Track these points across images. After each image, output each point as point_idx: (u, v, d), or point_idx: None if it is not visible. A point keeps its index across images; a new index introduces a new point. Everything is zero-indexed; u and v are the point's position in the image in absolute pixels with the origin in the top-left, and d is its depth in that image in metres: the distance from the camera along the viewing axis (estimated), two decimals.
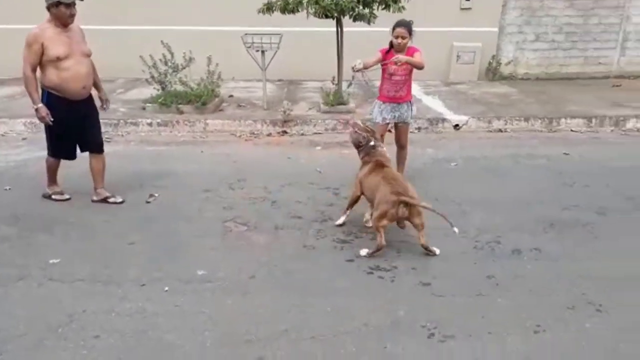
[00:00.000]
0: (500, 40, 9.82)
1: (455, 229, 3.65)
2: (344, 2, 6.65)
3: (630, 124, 7.26)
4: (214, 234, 4.00)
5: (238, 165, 5.59)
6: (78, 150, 4.53)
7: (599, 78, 9.94)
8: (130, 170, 5.42)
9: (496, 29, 9.72)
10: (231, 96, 8.40)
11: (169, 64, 7.38)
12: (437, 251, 3.69)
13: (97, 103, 4.56)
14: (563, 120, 7.23)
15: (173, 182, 5.06)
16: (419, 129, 7.13)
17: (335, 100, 7.33)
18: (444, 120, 7.23)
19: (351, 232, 4.01)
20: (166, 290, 3.22)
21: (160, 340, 2.76)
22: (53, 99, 4.11)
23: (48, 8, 4.00)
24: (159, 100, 7.37)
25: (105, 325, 2.87)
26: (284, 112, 6.95)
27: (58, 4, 3.95)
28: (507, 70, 9.98)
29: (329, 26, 7.29)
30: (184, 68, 7.40)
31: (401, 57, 4.37)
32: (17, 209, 4.38)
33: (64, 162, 4.58)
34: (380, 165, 3.94)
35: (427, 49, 9.40)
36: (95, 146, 4.51)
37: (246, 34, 7.13)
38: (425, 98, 8.43)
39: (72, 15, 4.07)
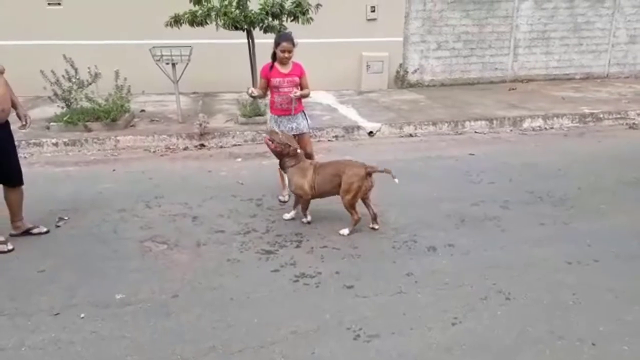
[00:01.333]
0: (405, 50, 10.33)
1: (396, 180, 4.17)
2: (252, 14, 6.70)
3: (526, 124, 7.90)
4: (132, 255, 3.85)
5: (155, 182, 5.42)
6: None
7: (497, 82, 10.76)
8: (37, 194, 5.03)
9: (401, 39, 10.21)
10: (143, 111, 8.14)
11: (73, 79, 7.02)
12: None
13: (14, 125, 4.10)
14: (467, 122, 7.72)
15: (84, 204, 4.82)
16: (336, 137, 7.31)
17: (252, 112, 7.33)
18: (358, 127, 7.46)
19: (275, 242, 4.03)
20: (82, 317, 3.05)
21: None
22: None
23: None
24: (65, 119, 6.99)
25: None
26: (200, 125, 6.84)
27: None
28: (414, 78, 10.51)
29: (241, 38, 7.30)
30: (90, 84, 7.07)
31: (298, 92, 4.56)
32: None
33: None
34: (316, 164, 4.30)
35: (338, 59, 9.86)
36: (16, 177, 4.08)
37: (154, 47, 6.95)
38: (340, 107, 8.66)
39: None
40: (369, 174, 4.11)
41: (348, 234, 4.13)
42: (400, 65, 10.36)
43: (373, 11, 9.96)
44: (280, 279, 3.50)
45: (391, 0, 9.94)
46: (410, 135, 7.52)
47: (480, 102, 8.95)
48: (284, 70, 4.52)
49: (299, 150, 4.25)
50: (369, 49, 10.01)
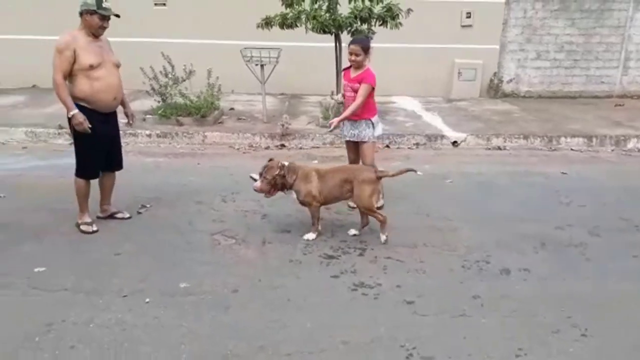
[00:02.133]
0: (501, 58, 9.85)
1: (420, 172, 4.29)
2: (341, 18, 6.71)
3: (631, 144, 7.21)
4: (202, 246, 3.99)
5: (234, 178, 5.59)
6: None
7: (602, 97, 9.93)
8: (126, 180, 5.39)
9: (497, 47, 9.75)
10: (232, 109, 8.45)
11: (170, 76, 7.45)
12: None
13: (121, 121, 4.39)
14: (563, 138, 7.19)
15: (167, 194, 5.07)
16: (416, 145, 7.12)
17: (334, 115, 7.32)
18: (442, 136, 7.22)
19: (339, 247, 3.99)
20: (147, 302, 3.20)
21: (135, 352, 2.74)
22: (83, 111, 3.89)
23: (81, 14, 3.86)
24: (159, 112, 7.43)
25: (83, 336, 2.85)
26: (283, 125, 6.97)
27: (93, 13, 3.82)
28: (509, 87, 9.99)
29: (329, 41, 7.35)
30: (184, 80, 7.46)
31: (335, 122, 4.39)
32: (8, 218, 4.40)
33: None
34: (316, 170, 4.12)
35: (428, 65, 9.62)
36: (117, 163, 4.37)
37: (245, 48, 7.18)
38: (425, 114, 8.44)
39: (104, 28, 3.96)
40: (379, 179, 4.10)
41: (385, 240, 4.06)
42: (495, 74, 9.89)
43: (469, 17, 9.61)
44: (339, 285, 3.45)
45: (489, 6, 9.53)
46: (499, 148, 7.15)
47: (580, 117, 8.31)
48: (353, 74, 4.45)
49: (285, 164, 4.03)
50: (461, 55, 9.66)
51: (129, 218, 4.47)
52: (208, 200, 4.91)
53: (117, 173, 4.46)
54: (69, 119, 3.92)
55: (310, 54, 8.88)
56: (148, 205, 4.75)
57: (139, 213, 4.60)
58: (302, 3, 7.06)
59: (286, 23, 7.05)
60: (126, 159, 6.21)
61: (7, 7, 9.55)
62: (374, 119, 4.52)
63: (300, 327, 2.99)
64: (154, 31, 9.42)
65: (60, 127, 7.03)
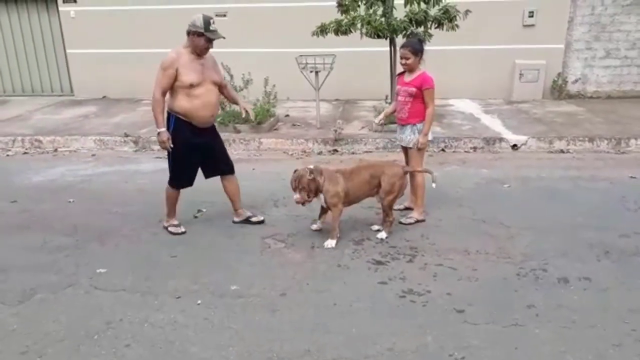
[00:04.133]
0: (566, 57, 9.41)
1: (434, 185, 4.22)
2: (395, 22, 6.66)
3: None
4: (253, 250, 4.08)
5: (286, 183, 5.59)
6: None
7: None
8: None
9: (562, 46, 9.33)
10: (287, 115, 8.58)
11: (229, 85, 7.65)
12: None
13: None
14: (633, 141, 6.77)
15: (222, 199, 5.17)
16: (474, 148, 6.94)
17: (387, 120, 7.26)
18: (501, 139, 6.99)
19: (388, 253, 3.95)
20: (199, 304, 3.31)
21: (186, 352, 2.84)
22: (180, 123, 4.08)
23: (188, 33, 4.02)
24: (218, 120, 7.65)
25: (137, 334, 2.99)
26: (336, 131, 7.00)
27: (201, 35, 3.96)
28: (575, 88, 9.52)
29: (383, 46, 7.32)
30: (242, 89, 7.66)
31: (422, 139, 4.36)
32: (76, 221, 4.69)
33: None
34: (344, 171, 4.17)
35: (488, 67, 9.37)
36: (227, 168, 4.50)
37: (300, 55, 7.28)
38: (484, 117, 8.21)
39: (208, 48, 4.11)
40: (405, 173, 4.22)
41: (386, 237, 4.17)
42: (559, 74, 9.46)
43: (531, 16, 9.25)
44: (386, 292, 3.41)
45: (553, 4, 9.14)
46: (562, 152, 6.82)
47: None
48: (407, 78, 4.40)
49: (311, 168, 4.06)
50: (523, 56, 9.32)
51: (262, 222, 4.57)
52: (260, 205, 5.01)
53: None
54: (161, 139, 4.09)
55: (365, 59, 8.88)
56: (204, 210, 4.91)
57: (195, 217, 4.77)
58: (358, 9, 7.07)
59: (341, 29, 7.08)
60: None
61: (81, 23, 10.22)
62: (420, 125, 4.41)
63: (345, 333, 2.98)
64: (216, 42, 9.75)
65: (126, 135, 7.43)
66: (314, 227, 4.40)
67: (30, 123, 8.41)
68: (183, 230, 4.41)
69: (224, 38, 4.12)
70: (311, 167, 4.10)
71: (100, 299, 3.38)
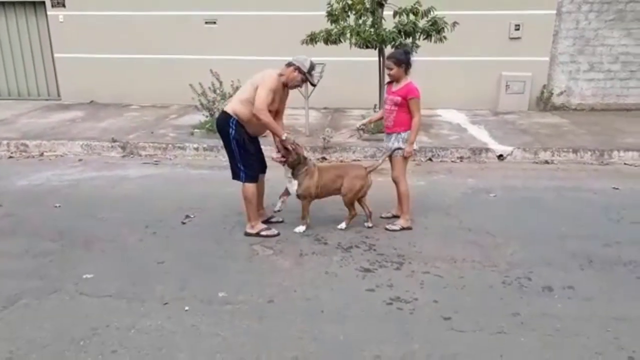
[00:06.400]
0: (551, 70, 9.57)
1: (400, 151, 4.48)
2: (384, 33, 6.73)
3: None
4: (241, 256, 4.08)
5: (275, 190, 5.63)
6: None
7: None
8: (173, 192, 5.65)
9: (547, 59, 9.50)
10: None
11: (217, 91, 7.68)
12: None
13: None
14: (616, 152, 6.89)
15: (210, 205, 5.21)
16: (460, 158, 7.01)
17: (375, 129, 7.34)
18: (487, 150, 7.08)
19: (376, 260, 3.97)
20: (186, 310, 3.29)
21: (173, 358, 2.82)
22: (239, 125, 4.22)
23: (290, 65, 4.21)
24: (207, 126, 7.66)
25: (124, 341, 2.97)
26: (324, 139, 7.04)
27: (302, 72, 4.19)
28: (560, 100, 9.69)
29: (372, 56, 7.39)
30: (231, 96, 7.66)
31: (408, 148, 4.45)
32: (62, 226, 4.65)
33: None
34: (318, 168, 4.52)
35: (474, 78, 9.50)
36: (264, 167, 4.67)
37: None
38: (471, 127, 8.31)
39: (296, 87, 4.43)
40: (368, 173, 4.50)
41: (345, 228, 4.55)
42: (545, 86, 9.62)
43: (517, 29, 9.42)
44: (374, 299, 3.43)
45: (539, 18, 9.31)
46: (546, 162, 6.93)
47: (635, 130, 7.93)
48: (394, 88, 4.45)
49: (306, 157, 4.49)
50: (509, 68, 9.47)
51: (282, 221, 4.72)
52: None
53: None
54: (283, 142, 4.28)
55: (354, 69, 8.95)
56: (192, 216, 4.90)
57: (183, 223, 4.75)
58: (347, 19, 7.14)
59: (330, 39, 7.14)
60: (175, 170, 6.58)
61: (70, 28, 10.18)
62: (406, 134, 4.46)
63: (333, 340, 2.99)
64: (203, 48, 9.78)
65: (114, 140, 7.39)
66: (277, 207, 4.62)
67: (16, 127, 8.32)
68: (277, 232, 4.48)
69: (315, 86, 4.76)
70: (307, 158, 4.50)
71: (86, 305, 3.35)
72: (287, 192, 4.55)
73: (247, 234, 4.44)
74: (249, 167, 4.37)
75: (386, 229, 4.55)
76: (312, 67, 4.25)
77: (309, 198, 4.45)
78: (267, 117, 4.07)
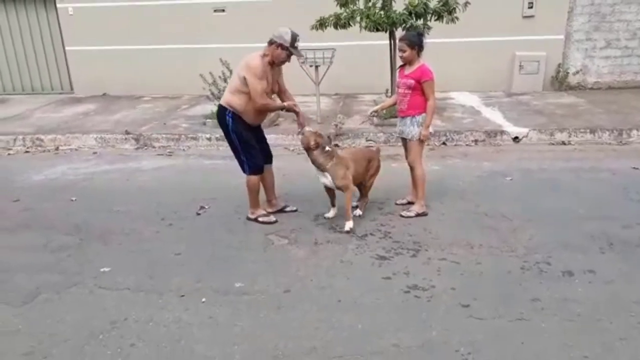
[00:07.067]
0: (566, 48, 9.37)
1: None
2: (395, 15, 6.62)
3: None
4: (256, 246, 4.07)
5: (287, 179, 5.65)
6: None
7: None
8: (187, 182, 5.67)
9: (562, 37, 9.28)
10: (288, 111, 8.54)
11: (228, 80, 7.63)
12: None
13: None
14: (635, 131, 6.74)
15: (224, 195, 5.21)
16: (475, 141, 6.92)
17: (387, 114, 7.26)
18: (502, 132, 6.97)
19: (391, 248, 3.94)
20: (203, 302, 3.31)
21: (191, 350, 2.84)
22: (236, 117, 4.18)
23: (271, 43, 4.10)
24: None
25: (142, 333, 2.99)
26: (336, 125, 6.98)
27: (285, 49, 4.05)
28: (575, 79, 9.49)
29: (383, 39, 7.28)
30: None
31: (424, 131, 4.37)
32: (79, 219, 4.68)
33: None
34: (341, 156, 4.30)
35: (487, 59, 9.34)
36: (270, 157, 4.62)
37: (299, 50, 7.23)
38: (485, 110, 8.18)
39: (285, 62, 4.22)
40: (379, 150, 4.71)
41: (361, 215, 4.50)
42: (559, 65, 9.42)
43: (531, 7, 9.21)
44: (390, 287, 3.41)
45: None
46: (563, 143, 6.80)
47: None
48: (407, 71, 4.37)
49: (331, 141, 4.42)
50: (523, 48, 9.28)
51: (295, 210, 4.68)
52: (262, 201, 4.97)
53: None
54: (288, 110, 4.33)
55: (365, 53, 8.85)
56: (206, 207, 4.90)
57: (198, 214, 4.76)
58: (357, 2, 7.03)
59: (340, 23, 7.04)
60: (188, 161, 6.59)
61: (80, 20, 10.18)
62: (421, 117, 4.40)
63: (350, 329, 2.98)
64: (213, 37, 9.73)
65: (127, 133, 7.41)
66: (330, 215, 4.49)
67: (31, 121, 8.39)
68: (274, 219, 4.47)
69: (303, 57, 4.19)
70: (331, 148, 4.26)
71: (105, 299, 3.38)
72: (330, 193, 4.45)
73: (248, 219, 4.52)
74: (251, 158, 4.34)
75: (401, 216, 4.51)
76: (294, 39, 4.06)
77: (351, 186, 4.25)
78: (269, 104, 4.15)
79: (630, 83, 9.38)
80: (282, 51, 4.05)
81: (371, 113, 4.99)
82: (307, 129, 4.26)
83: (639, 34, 9.18)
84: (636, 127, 6.79)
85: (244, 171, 4.42)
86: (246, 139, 4.27)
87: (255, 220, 4.48)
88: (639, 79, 9.38)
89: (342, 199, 4.28)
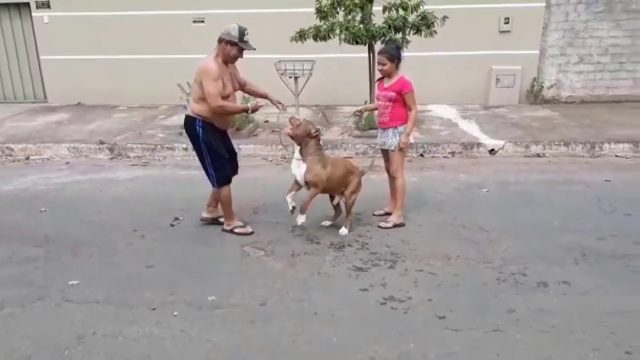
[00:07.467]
0: (541, 63, 9.54)
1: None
2: (374, 28, 6.67)
3: None
4: (231, 258, 4.00)
5: (265, 189, 5.60)
6: None
7: None
8: (162, 193, 5.57)
9: (537, 52, 9.46)
10: (266, 121, 8.49)
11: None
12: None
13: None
14: (607, 145, 6.87)
15: (199, 206, 5.08)
16: (452, 153, 6.97)
17: (367, 125, 7.29)
18: (479, 144, 7.04)
19: (369, 259, 3.91)
20: (175, 315, 3.22)
21: None
22: (207, 125, 4.14)
23: (220, 41, 4.04)
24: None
25: (111, 348, 2.89)
26: (321, 118, 6.96)
27: (234, 45, 4.00)
28: (550, 93, 9.66)
29: (362, 52, 7.32)
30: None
31: (404, 139, 4.38)
32: (48, 231, 4.55)
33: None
34: (329, 157, 4.34)
35: (464, 73, 9.45)
36: (236, 169, 4.57)
37: (279, 61, 7.24)
38: (462, 122, 8.27)
39: (238, 58, 4.16)
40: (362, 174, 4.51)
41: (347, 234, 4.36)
42: (535, 79, 9.60)
43: (507, 23, 9.38)
44: (367, 299, 3.37)
45: (528, 11, 9.26)
46: (538, 156, 6.90)
47: (626, 122, 7.92)
48: (386, 84, 4.40)
49: (319, 139, 4.16)
50: (499, 62, 9.43)
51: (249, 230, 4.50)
52: (238, 212, 4.88)
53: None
54: (253, 111, 4.28)
55: (344, 65, 8.88)
56: (181, 218, 4.81)
57: (172, 225, 4.67)
58: (336, 15, 7.07)
59: (319, 35, 7.06)
60: (162, 172, 6.48)
61: (55, 29, 10.02)
62: (402, 127, 4.41)
63: (326, 342, 2.93)
64: (192, 48, 9.63)
65: (101, 143, 7.27)
66: (290, 206, 4.20)
67: (1, 130, 8.17)
68: (251, 230, 4.41)
69: (254, 49, 4.16)
70: (319, 142, 4.21)
71: (72, 312, 3.26)
72: (295, 185, 4.25)
73: (223, 230, 4.46)
74: (220, 169, 4.30)
75: (379, 227, 4.49)
76: (242, 33, 3.99)
77: (318, 188, 4.12)
78: (227, 106, 4.06)
79: (602, 97, 9.60)
80: (232, 47, 4.01)
81: (355, 112, 4.98)
82: (297, 116, 4.25)
83: (611, 50, 9.41)
84: (608, 140, 6.92)
85: (212, 184, 4.38)
86: (216, 149, 4.22)
87: (231, 231, 4.42)
88: (610, 94, 9.60)
89: (305, 195, 4.22)
